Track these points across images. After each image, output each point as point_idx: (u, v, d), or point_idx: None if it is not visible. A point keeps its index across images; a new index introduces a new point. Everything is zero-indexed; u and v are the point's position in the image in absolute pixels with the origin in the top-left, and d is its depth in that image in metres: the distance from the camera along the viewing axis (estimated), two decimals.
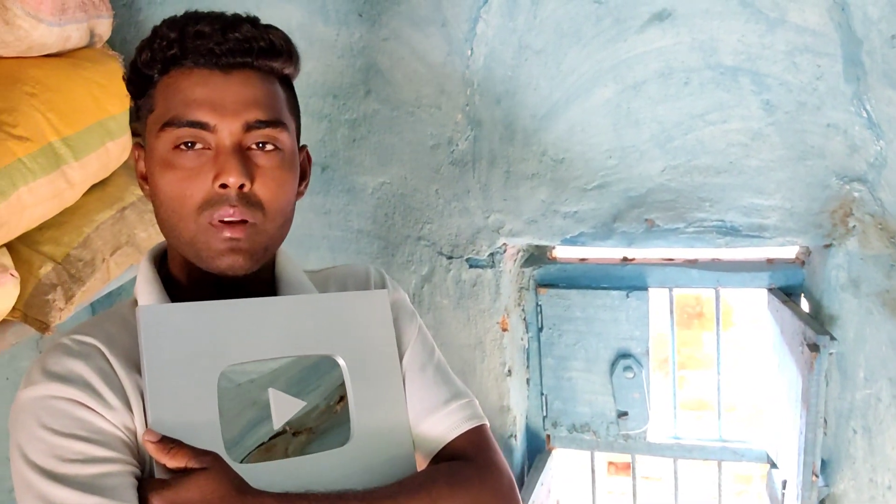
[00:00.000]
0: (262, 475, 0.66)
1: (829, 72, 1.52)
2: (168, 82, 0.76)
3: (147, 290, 0.78)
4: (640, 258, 1.91)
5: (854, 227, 1.58)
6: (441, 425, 0.78)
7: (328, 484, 0.67)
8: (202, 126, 0.74)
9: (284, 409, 0.71)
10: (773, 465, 1.95)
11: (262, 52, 0.77)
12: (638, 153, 1.67)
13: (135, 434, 0.70)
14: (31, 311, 1.36)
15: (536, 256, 1.95)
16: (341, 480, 0.68)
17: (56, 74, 1.45)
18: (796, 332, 1.65)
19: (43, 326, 1.36)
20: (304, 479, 0.67)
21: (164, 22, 0.78)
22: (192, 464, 0.65)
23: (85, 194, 1.53)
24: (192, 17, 0.77)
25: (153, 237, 1.69)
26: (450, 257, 1.86)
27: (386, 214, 1.87)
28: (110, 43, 1.72)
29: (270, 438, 0.70)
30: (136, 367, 0.71)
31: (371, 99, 1.77)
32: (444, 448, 0.78)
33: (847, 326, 1.64)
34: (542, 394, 2.05)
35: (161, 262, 0.84)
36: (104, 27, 1.64)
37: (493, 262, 1.85)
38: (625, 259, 1.92)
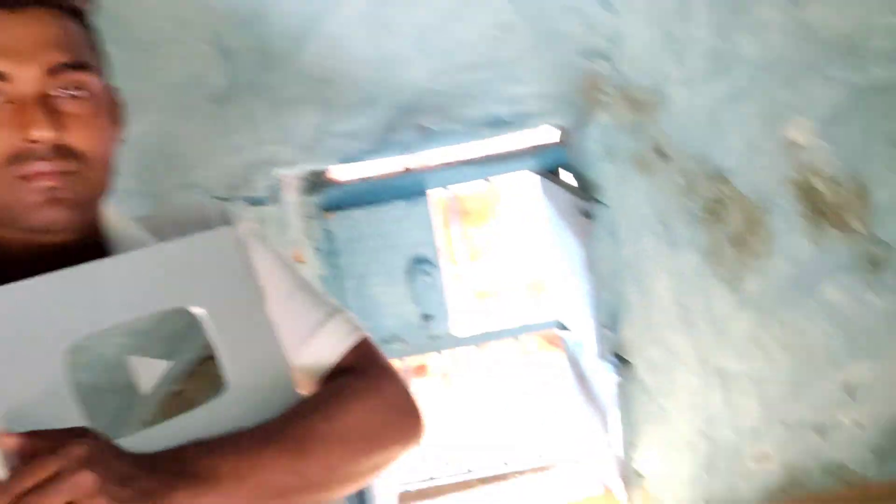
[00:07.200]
0: (143, 445, 0.59)
1: None
2: None
3: None
4: (419, 166, 1.95)
5: (603, 100, 1.73)
6: (322, 349, 0.75)
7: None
8: None
9: (150, 372, 0.64)
10: (565, 328, 2.15)
11: None
12: (399, 61, 1.68)
13: None
14: None
15: (317, 183, 1.91)
16: (228, 430, 0.64)
17: None
18: (569, 205, 1.80)
19: None
20: (191, 438, 0.62)
21: None
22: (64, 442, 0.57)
23: None
24: None
25: None
26: (226, 199, 1.76)
27: (146, 167, 1.71)
28: None
29: (142, 405, 0.64)
30: None
31: None
32: (332, 370, 0.76)
33: (610, 193, 1.81)
34: None
35: None
36: None
37: (273, 196, 1.78)
38: (407, 169, 1.94)
